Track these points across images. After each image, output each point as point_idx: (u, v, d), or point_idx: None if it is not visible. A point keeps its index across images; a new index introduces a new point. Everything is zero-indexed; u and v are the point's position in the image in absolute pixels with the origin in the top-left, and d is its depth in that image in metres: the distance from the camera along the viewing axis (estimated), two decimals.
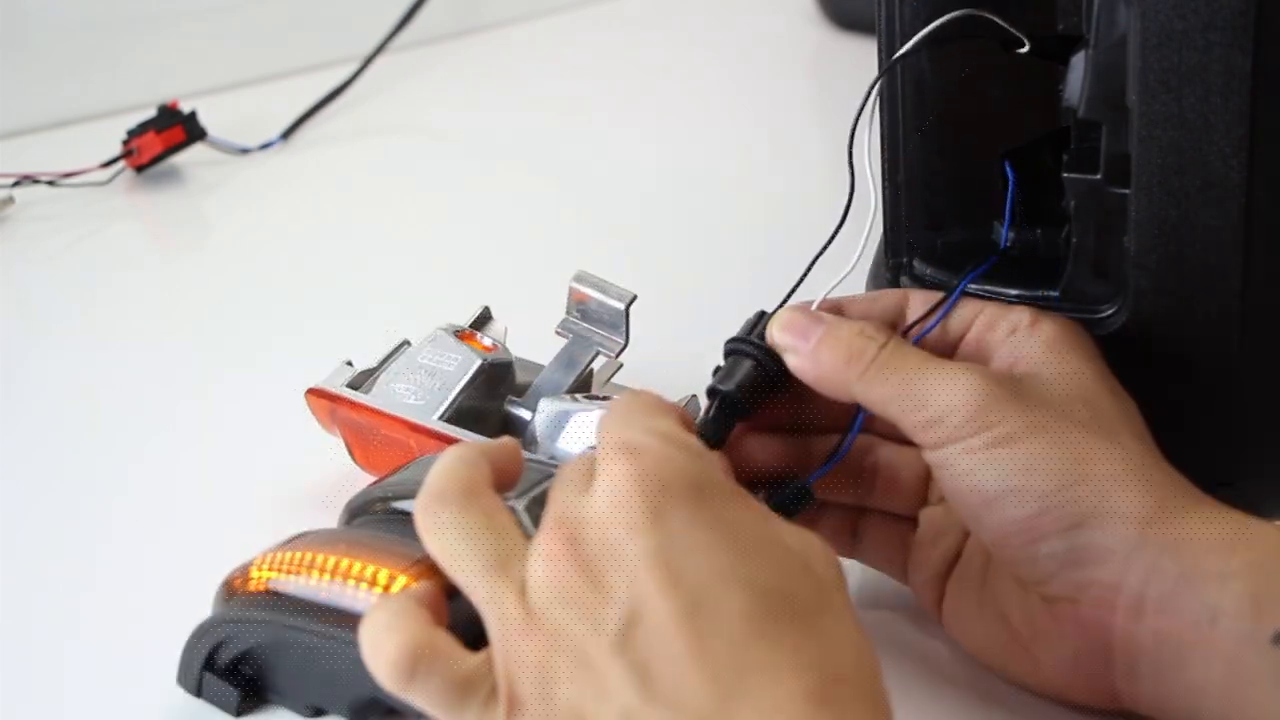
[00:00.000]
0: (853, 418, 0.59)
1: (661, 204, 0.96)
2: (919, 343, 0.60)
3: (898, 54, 0.62)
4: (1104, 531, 0.53)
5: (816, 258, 0.62)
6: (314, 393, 0.69)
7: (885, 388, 0.56)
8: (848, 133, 0.61)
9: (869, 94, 0.62)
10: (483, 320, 0.71)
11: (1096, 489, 0.54)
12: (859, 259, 0.61)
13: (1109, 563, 0.53)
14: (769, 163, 1.01)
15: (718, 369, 0.60)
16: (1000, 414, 0.55)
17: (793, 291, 0.62)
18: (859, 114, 0.61)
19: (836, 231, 0.62)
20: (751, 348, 0.59)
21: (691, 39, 1.21)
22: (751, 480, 0.59)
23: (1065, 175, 0.62)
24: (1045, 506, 0.54)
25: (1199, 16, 0.56)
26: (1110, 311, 0.61)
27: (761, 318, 0.60)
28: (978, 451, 0.54)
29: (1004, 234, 0.64)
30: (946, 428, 0.55)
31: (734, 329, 0.60)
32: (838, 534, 0.61)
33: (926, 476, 0.60)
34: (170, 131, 1.01)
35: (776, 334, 0.58)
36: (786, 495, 0.58)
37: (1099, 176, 0.61)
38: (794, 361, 0.58)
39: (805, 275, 0.62)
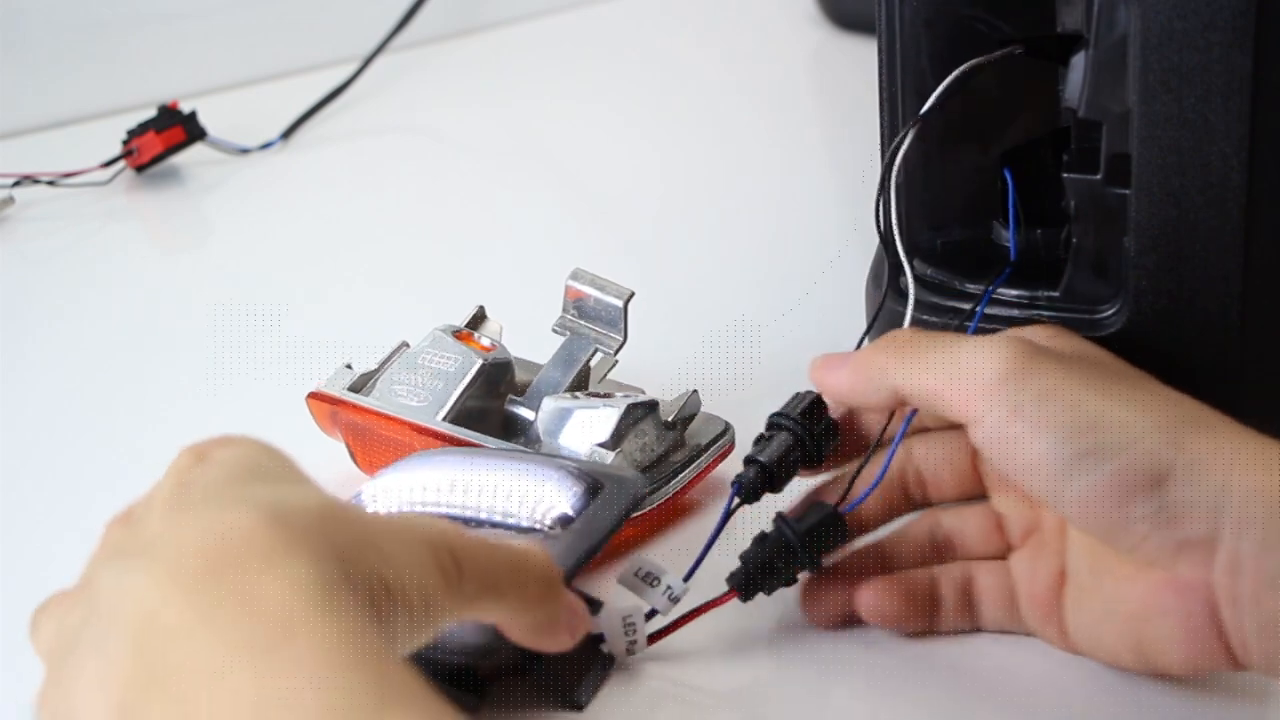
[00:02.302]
0: (877, 440, 0.59)
1: (660, 203, 0.96)
2: None
3: (902, 136, 0.62)
4: (1190, 485, 0.52)
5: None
6: (315, 397, 0.69)
7: (923, 364, 0.55)
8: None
9: (887, 172, 0.62)
10: (478, 320, 0.71)
11: (1169, 438, 0.52)
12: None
13: (1200, 518, 0.52)
14: (768, 162, 1.01)
15: (759, 438, 0.59)
16: (1044, 366, 0.53)
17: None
18: (881, 192, 0.62)
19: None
20: (790, 422, 0.59)
21: (691, 39, 1.21)
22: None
23: (1065, 175, 0.62)
24: (1122, 465, 0.52)
25: (1199, 16, 0.56)
26: (1110, 311, 0.61)
27: (799, 397, 0.59)
28: (1029, 412, 0.53)
29: (1011, 243, 0.64)
30: (990, 387, 0.53)
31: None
32: (912, 601, 0.58)
33: (970, 464, 0.59)
34: (170, 131, 1.01)
35: (816, 364, 0.58)
36: (818, 525, 0.58)
37: (1099, 176, 0.61)
38: (834, 377, 0.57)
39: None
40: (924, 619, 0.58)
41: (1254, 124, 0.57)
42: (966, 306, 0.64)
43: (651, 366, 0.69)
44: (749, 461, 0.59)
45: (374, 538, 0.47)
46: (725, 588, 0.58)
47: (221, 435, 0.52)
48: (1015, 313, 0.63)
